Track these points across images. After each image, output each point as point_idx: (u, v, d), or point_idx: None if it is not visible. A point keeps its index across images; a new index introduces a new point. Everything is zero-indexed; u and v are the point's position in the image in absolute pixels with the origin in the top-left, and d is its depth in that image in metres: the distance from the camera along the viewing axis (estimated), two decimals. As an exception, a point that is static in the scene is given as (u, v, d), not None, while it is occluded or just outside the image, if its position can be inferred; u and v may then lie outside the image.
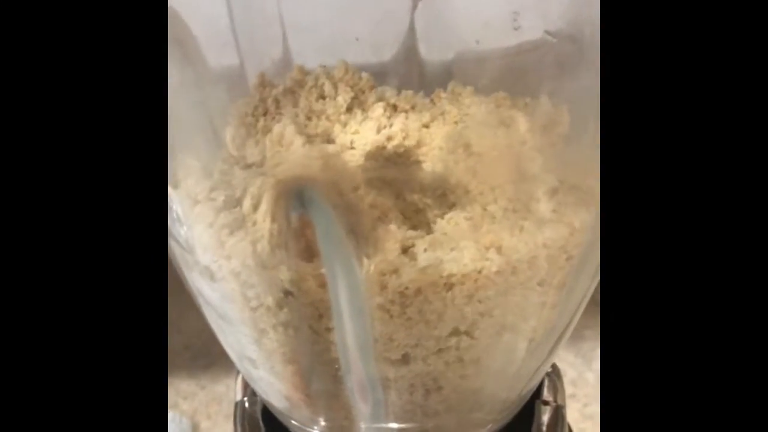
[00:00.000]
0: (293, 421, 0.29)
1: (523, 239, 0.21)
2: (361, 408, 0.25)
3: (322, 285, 0.21)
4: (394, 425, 0.26)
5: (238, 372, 0.31)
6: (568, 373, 0.58)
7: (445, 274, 0.21)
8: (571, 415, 0.50)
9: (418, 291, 0.21)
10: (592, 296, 0.56)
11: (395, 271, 0.21)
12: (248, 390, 0.31)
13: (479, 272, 0.21)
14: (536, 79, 0.29)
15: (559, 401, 0.32)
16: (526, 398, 0.29)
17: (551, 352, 0.26)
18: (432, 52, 0.31)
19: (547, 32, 0.27)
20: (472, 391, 0.25)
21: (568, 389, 0.50)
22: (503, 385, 0.26)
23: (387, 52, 0.32)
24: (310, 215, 0.20)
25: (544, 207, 0.22)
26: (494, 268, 0.21)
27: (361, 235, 0.21)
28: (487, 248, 0.21)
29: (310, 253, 0.21)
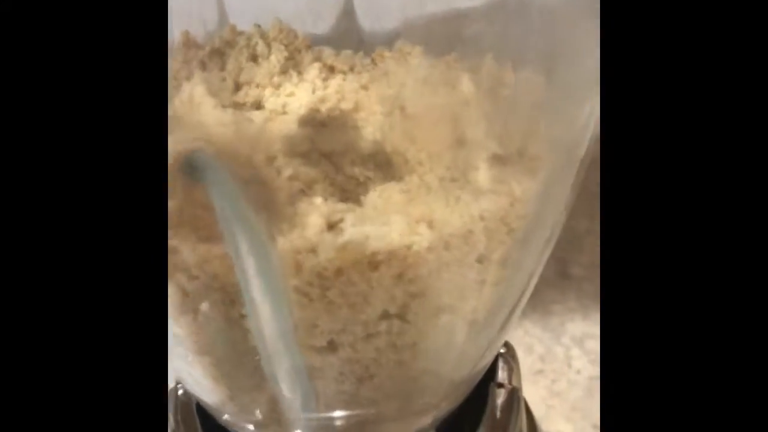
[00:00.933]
0: (226, 416, 0.27)
1: (457, 211, 0.19)
2: (290, 400, 0.23)
3: (230, 267, 0.19)
4: (330, 414, 0.24)
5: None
6: (536, 349, 0.57)
7: (368, 251, 0.18)
8: (538, 393, 0.48)
9: (339, 271, 0.19)
10: (562, 268, 0.54)
11: (312, 249, 0.18)
12: (181, 377, 0.29)
13: (408, 248, 0.19)
14: (479, 39, 0.26)
15: (515, 383, 0.30)
16: (475, 381, 0.27)
17: (499, 332, 0.24)
18: (372, 22, 0.29)
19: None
20: (410, 378, 0.22)
21: (536, 365, 0.49)
22: (445, 369, 0.23)
23: (325, 21, 0.30)
24: (206, 188, 0.17)
25: (483, 176, 0.20)
26: (425, 244, 0.19)
27: (273, 211, 0.19)
28: (417, 222, 0.19)
29: (213, 233, 0.19)
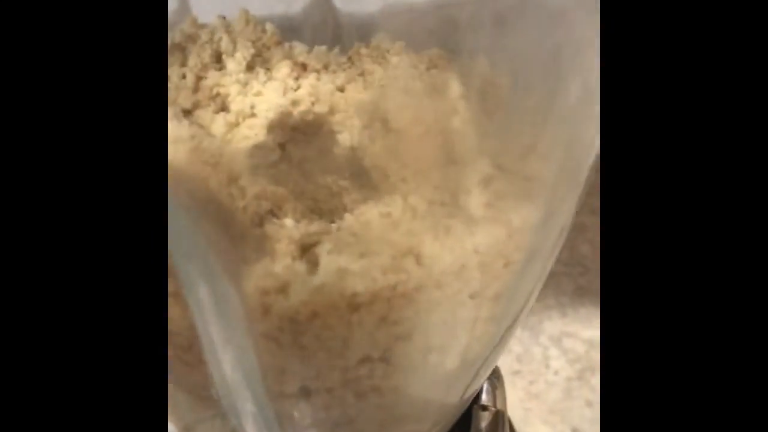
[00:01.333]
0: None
1: (449, 244, 0.17)
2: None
3: (184, 307, 0.16)
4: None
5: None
6: (513, 348, 0.55)
7: (347, 293, 0.16)
8: (516, 394, 0.47)
9: (314, 315, 0.16)
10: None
11: (282, 289, 0.16)
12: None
13: (393, 289, 0.16)
14: (471, 35, 0.24)
15: (499, 405, 0.28)
16: (465, 405, 0.25)
17: (490, 362, 0.22)
18: (349, 3, 0.26)
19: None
20: (393, 419, 0.20)
21: (513, 365, 0.47)
22: (433, 401, 0.21)
23: (296, 3, 0.27)
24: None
25: (476, 201, 0.17)
26: (412, 284, 0.16)
27: (237, 237, 0.17)
28: (404, 255, 0.17)
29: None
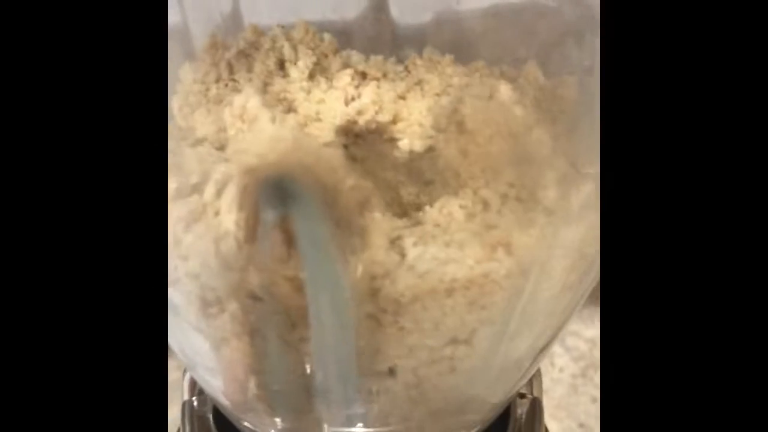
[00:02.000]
0: (246, 423, 0.26)
1: (535, 237, 0.18)
2: (334, 419, 0.22)
3: (298, 290, 0.17)
4: (365, 430, 0.23)
5: (185, 370, 0.28)
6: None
7: (447, 278, 0.18)
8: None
9: (415, 298, 0.18)
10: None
11: (388, 274, 0.18)
12: (196, 388, 0.28)
13: (486, 276, 0.18)
14: (524, 45, 0.26)
15: (536, 393, 0.30)
16: (512, 398, 0.26)
17: (544, 352, 0.24)
18: (405, 13, 0.28)
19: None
20: (460, 400, 0.22)
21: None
22: (495, 390, 0.23)
23: (350, 10, 0.28)
24: (289, 211, 0.16)
25: (553, 196, 0.19)
26: (503, 272, 0.18)
27: (345, 226, 0.18)
28: (494, 247, 0.18)
29: (284, 253, 0.17)
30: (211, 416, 0.28)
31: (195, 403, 0.28)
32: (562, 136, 0.21)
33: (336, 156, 0.20)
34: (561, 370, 0.50)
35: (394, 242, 0.19)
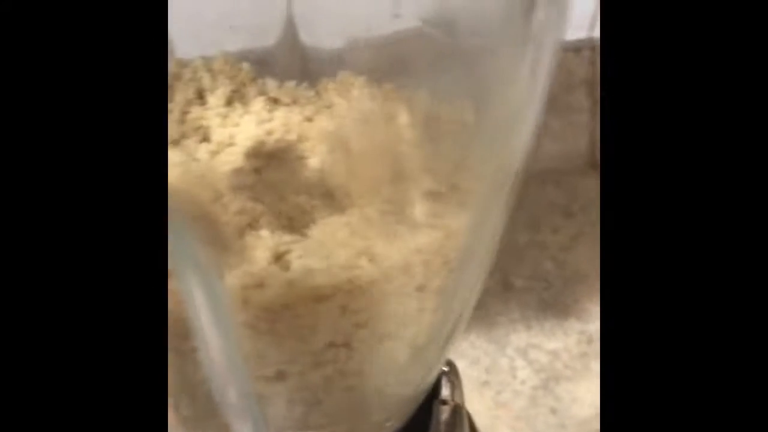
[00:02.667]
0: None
1: (396, 245, 0.20)
2: (240, 428, 0.23)
3: (181, 302, 0.19)
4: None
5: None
6: (481, 360, 0.58)
7: (314, 285, 0.20)
8: (484, 403, 0.49)
9: (286, 305, 0.20)
10: (505, 280, 0.55)
11: (259, 284, 0.19)
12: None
13: (351, 282, 0.20)
14: (415, 70, 0.28)
15: (457, 399, 0.31)
16: (420, 399, 0.28)
17: (440, 353, 0.25)
18: (314, 39, 0.30)
19: (424, 20, 0.26)
20: (356, 402, 0.24)
21: (482, 376, 0.50)
22: (390, 391, 0.25)
23: (267, 38, 0.30)
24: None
25: (419, 210, 0.21)
26: (365, 278, 0.20)
27: (222, 246, 0.20)
28: (359, 255, 0.20)
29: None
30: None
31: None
32: (434, 153, 0.23)
33: (222, 181, 0.22)
34: (522, 382, 0.51)
35: (281, 257, 0.21)
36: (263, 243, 0.21)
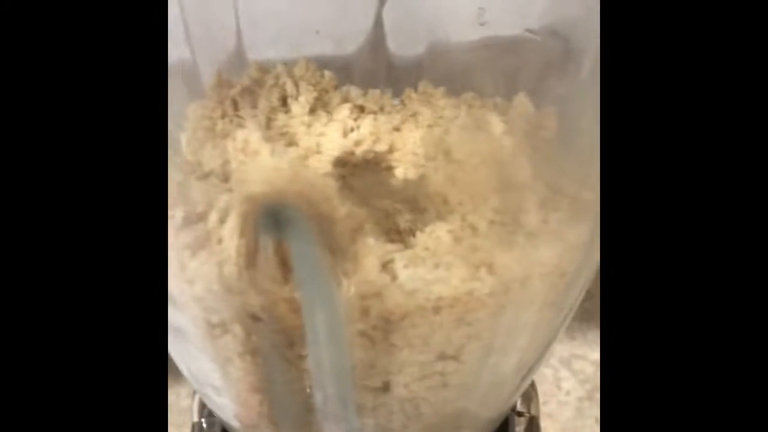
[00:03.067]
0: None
1: (516, 257, 0.20)
2: (335, 436, 0.23)
3: (295, 310, 0.19)
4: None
5: (194, 391, 0.29)
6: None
7: (433, 296, 0.19)
8: (531, 414, 0.49)
9: (404, 315, 0.19)
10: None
11: (378, 294, 0.19)
12: (205, 410, 0.29)
13: (470, 294, 0.19)
14: (513, 78, 0.27)
15: (533, 411, 0.31)
16: (506, 414, 0.27)
17: (535, 367, 0.25)
18: (401, 46, 0.30)
19: (529, 30, 0.25)
20: (454, 414, 0.23)
21: (527, 387, 0.49)
22: (487, 405, 0.24)
23: (350, 44, 0.30)
24: (285, 236, 0.18)
25: (534, 219, 0.20)
26: (486, 290, 0.19)
27: (338, 252, 0.19)
28: (478, 267, 0.19)
29: (282, 276, 0.19)
30: (219, 438, 0.29)
31: (204, 425, 0.29)
32: (542, 162, 0.22)
33: (330, 186, 0.21)
34: (567, 393, 0.50)
35: (386, 265, 0.20)
36: (371, 251, 0.20)
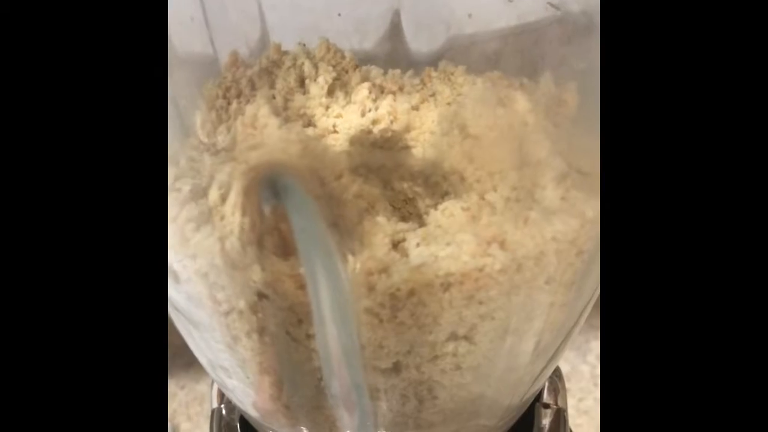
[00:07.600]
0: (271, 431, 0.26)
1: (529, 232, 0.19)
2: (347, 420, 0.22)
3: (301, 287, 0.18)
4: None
5: (212, 381, 0.29)
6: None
7: (441, 272, 0.18)
8: (566, 411, 0.47)
9: (411, 292, 0.18)
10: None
11: (385, 269, 0.18)
12: (225, 397, 0.29)
13: (480, 270, 0.18)
14: (537, 55, 0.26)
15: (560, 404, 0.30)
16: (528, 403, 0.26)
17: (557, 354, 0.24)
18: (420, 36, 0.29)
19: (550, 3, 0.25)
20: (470, 400, 0.22)
21: (563, 384, 0.48)
22: (505, 391, 0.23)
23: (371, 34, 0.30)
24: (285, 207, 0.17)
25: (551, 195, 0.20)
26: (497, 266, 0.18)
27: (345, 229, 0.19)
28: (489, 243, 0.19)
29: (286, 251, 0.18)
30: (238, 424, 0.29)
31: (223, 411, 0.29)
32: (562, 138, 0.21)
33: (342, 162, 0.21)
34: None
35: (398, 244, 0.20)
36: (381, 229, 0.20)
